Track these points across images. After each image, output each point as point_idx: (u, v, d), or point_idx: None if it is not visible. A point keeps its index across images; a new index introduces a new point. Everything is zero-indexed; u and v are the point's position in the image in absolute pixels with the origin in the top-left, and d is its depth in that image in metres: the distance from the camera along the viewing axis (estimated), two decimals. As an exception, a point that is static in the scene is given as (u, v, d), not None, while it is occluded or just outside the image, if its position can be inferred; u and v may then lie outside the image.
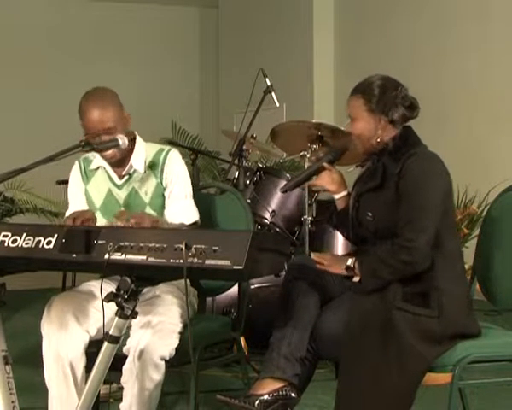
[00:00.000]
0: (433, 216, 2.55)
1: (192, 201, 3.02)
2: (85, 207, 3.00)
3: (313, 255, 2.74)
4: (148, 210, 2.97)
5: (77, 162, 3.11)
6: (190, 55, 10.48)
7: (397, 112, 2.68)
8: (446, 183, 2.63)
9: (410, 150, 2.64)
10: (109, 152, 2.90)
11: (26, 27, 9.54)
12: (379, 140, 2.70)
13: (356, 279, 2.64)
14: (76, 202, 3.06)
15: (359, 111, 2.71)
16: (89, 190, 3.06)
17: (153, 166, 3.01)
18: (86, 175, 3.08)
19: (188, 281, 2.97)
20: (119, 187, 3.03)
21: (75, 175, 3.11)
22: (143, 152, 3.03)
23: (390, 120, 2.68)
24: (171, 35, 10.29)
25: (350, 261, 2.63)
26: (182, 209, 2.96)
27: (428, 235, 2.53)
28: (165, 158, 3.01)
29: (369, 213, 2.67)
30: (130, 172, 3.01)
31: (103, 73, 9.75)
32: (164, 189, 3.00)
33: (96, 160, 3.06)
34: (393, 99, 2.68)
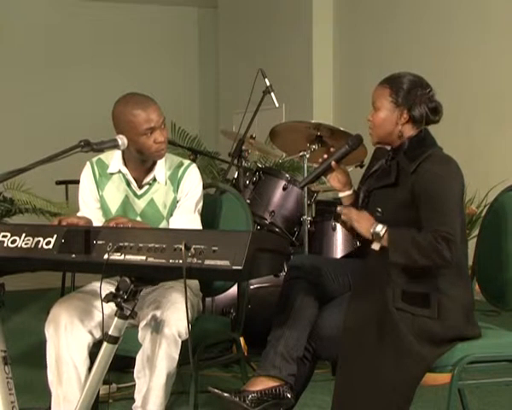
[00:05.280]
0: (458, 218, 2.56)
1: (199, 217, 2.96)
2: (97, 214, 2.95)
3: (339, 209, 2.66)
4: (164, 224, 2.92)
5: (88, 164, 3.00)
6: (189, 56, 10.49)
7: (420, 111, 2.67)
8: (462, 185, 2.64)
9: (426, 151, 2.64)
10: (163, 147, 2.84)
11: (25, 27, 9.55)
12: (400, 134, 2.69)
13: (375, 247, 2.58)
14: (86, 209, 2.97)
15: (384, 101, 2.70)
16: (105, 196, 2.96)
17: (172, 180, 2.94)
18: (101, 180, 2.97)
19: (196, 281, 2.98)
20: (138, 196, 2.94)
21: (87, 179, 2.99)
22: (164, 163, 2.95)
23: (412, 117, 2.68)
24: (170, 35, 10.30)
25: (380, 228, 2.55)
26: (187, 222, 2.89)
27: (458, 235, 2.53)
28: (183, 173, 2.95)
29: (379, 210, 2.66)
30: (151, 182, 2.94)
31: (102, 73, 9.78)
32: (177, 202, 2.94)
33: (115, 163, 2.95)
34: (420, 97, 2.67)
